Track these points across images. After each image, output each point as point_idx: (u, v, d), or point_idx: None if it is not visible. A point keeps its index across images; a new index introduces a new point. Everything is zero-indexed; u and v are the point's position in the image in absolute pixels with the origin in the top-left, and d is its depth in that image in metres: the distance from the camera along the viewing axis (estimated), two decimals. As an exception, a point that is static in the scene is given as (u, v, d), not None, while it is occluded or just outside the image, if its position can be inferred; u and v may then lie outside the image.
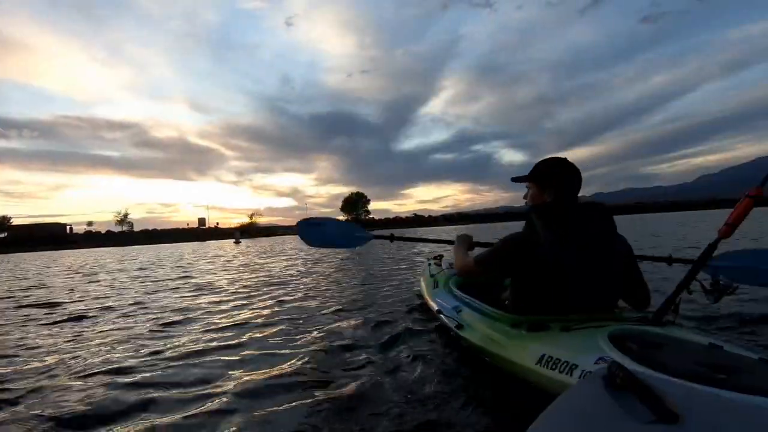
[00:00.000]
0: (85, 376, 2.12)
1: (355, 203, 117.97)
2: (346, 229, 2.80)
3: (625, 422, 0.68)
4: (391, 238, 2.73)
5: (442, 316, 2.29)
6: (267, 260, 10.97)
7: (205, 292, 5.16)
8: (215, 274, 7.81)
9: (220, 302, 4.31)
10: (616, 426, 0.69)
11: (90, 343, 2.86)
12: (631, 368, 0.99)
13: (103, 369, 2.21)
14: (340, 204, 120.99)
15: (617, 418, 0.70)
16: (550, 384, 1.34)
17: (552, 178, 1.68)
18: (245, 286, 5.49)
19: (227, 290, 5.24)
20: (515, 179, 1.85)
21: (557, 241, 1.57)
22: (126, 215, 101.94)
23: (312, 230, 2.76)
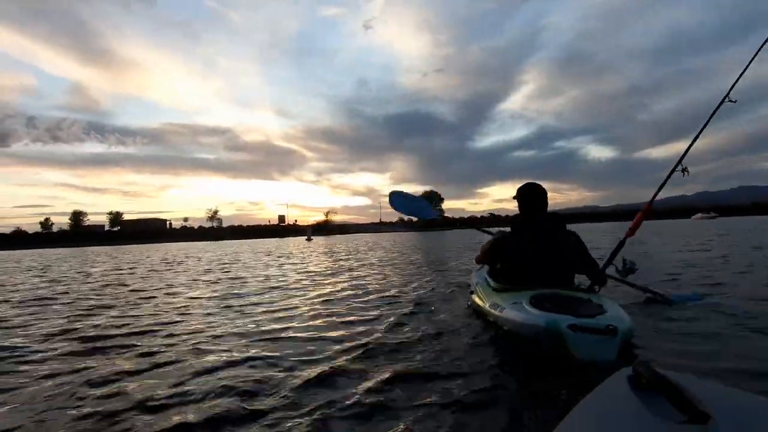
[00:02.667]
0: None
1: (428, 202, 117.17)
2: (425, 204, 4.10)
3: (653, 423, 0.67)
4: (458, 222, 4.22)
5: (470, 286, 3.23)
6: (323, 267, 10.29)
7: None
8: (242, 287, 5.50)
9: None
10: (643, 427, 0.67)
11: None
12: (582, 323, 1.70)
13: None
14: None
15: (645, 418, 0.68)
16: (491, 317, 2.39)
17: (518, 198, 2.65)
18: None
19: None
20: (515, 197, 2.69)
21: (517, 241, 2.55)
22: (216, 212, 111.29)
23: (401, 200, 4.01)
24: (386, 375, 1.84)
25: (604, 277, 2.58)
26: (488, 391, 1.64)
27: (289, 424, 1.45)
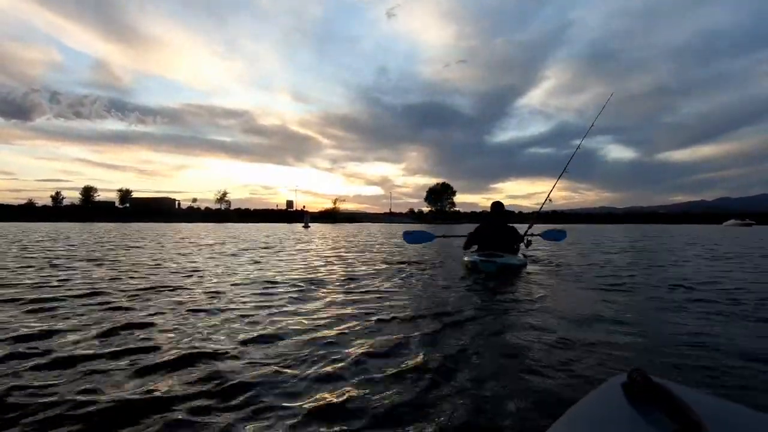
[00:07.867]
0: None
1: (440, 194, 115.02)
2: (427, 234, 7.14)
3: (644, 430, 0.66)
4: (443, 236, 7.55)
5: (464, 254, 5.99)
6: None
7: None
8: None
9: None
10: None
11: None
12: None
13: None
14: (425, 194, 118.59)
15: (636, 425, 0.67)
16: (467, 263, 5.47)
17: (490, 207, 6.08)
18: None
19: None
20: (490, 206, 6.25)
21: (482, 228, 5.96)
22: (225, 194, 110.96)
23: (409, 236, 7.05)
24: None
25: (526, 242, 6.02)
26: (478, 385, 1.66)
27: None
